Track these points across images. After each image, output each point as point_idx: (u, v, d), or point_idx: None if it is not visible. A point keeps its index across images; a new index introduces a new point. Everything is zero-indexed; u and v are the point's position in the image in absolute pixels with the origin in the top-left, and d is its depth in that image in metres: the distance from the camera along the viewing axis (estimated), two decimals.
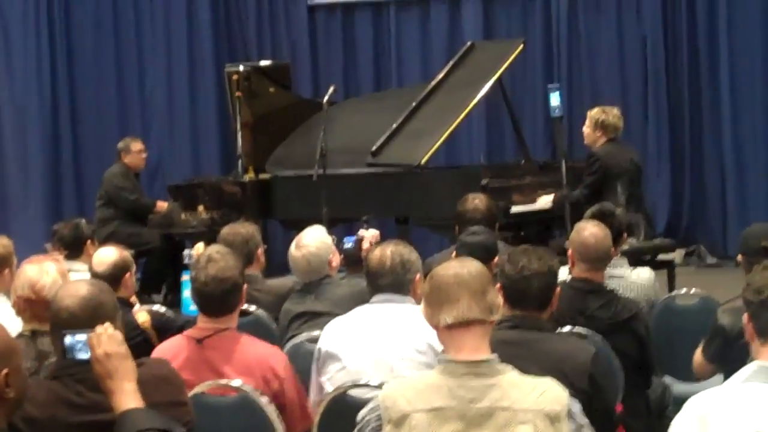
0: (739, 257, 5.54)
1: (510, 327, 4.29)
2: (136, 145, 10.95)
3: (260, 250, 6.23)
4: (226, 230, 6.32)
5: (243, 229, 6.29)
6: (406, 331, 4.57)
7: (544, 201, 9.21)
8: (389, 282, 4.76)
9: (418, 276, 4.78)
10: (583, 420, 3.50)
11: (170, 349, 4.57)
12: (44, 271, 4.49)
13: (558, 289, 4.42)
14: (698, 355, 5.23)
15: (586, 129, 9.06)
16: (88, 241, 6.94)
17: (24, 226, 12.70)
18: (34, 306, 4.40)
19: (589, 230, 5.43)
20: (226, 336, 4.56)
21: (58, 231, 7.13)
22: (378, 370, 4.52)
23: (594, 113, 9.08)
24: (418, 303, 4.59)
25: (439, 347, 3.84)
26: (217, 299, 4.55)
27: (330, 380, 4.65)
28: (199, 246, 6.44)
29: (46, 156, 13.12)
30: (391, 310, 4.73)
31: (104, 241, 8.77)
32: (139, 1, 13.20)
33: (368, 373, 4.51)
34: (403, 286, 4.77)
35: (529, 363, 3.57)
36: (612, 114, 9.05)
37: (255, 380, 4.44)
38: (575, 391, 4.03)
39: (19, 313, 4.49)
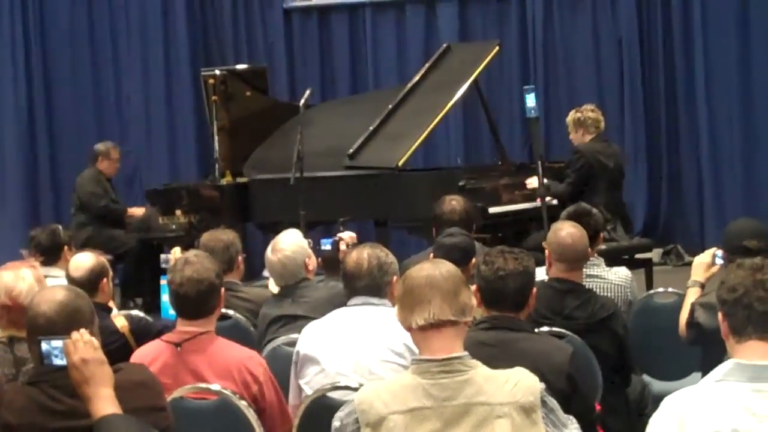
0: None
1: (487, 328, 4.30)
2: (115, 153, 10.98)
3: (240, 258, 6.24)
4: (206, 236, 6.32)
5: (224, 235, 6.28)
6: (384, 334, 4.57)
7: (529, 184, 9.17)
8: (366, 284, 4.77)
9: (394, 278, 4.77)
10: (554, 404, 3.51)
11: (148, 354, 4.56)
12: (20, 278, 4.47)
13: (534, 289, 4.43)
14: (682, 328, 5.29)
15: (571, 135, 9.17)
16: (65, 247, 6.93)
17: (1, 233, 12.66)
18: (10, 313, 4.38)
19: (566, 230, 5.44)
20: (205, 339, 4.56)
21: (35, 237, 7.12)
22: (356, 372, 4.53)
23: (570, 117, 9.20)
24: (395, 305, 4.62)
25: (417, 349, 3.85)
26: (194, 301, 4.54)
27: (308, 384, 4.65)
28: (176, 250, 6.44)
29: (23, 163, 13.06)
30: (368, 313, 4.73)
31: (81, 246, 8.77)
32: (115, 7, 13.15)
33: (347, 376, 4.51)
34: (380, 288, 4.78)
35: (507, 363, 3.57)
36: (586, 110, 9.14)
37: (234, 384, 4.44)
38: (553, 392, 4.04)
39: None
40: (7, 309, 4.40)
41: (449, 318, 3.44)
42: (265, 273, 6.71)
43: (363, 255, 4.82)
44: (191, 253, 4.77)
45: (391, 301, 4.72)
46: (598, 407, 4.81)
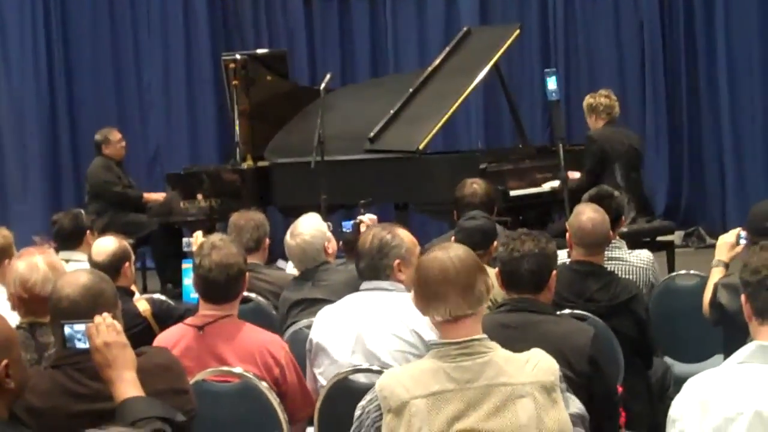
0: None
1: (508, 310, 4.30)
2: (115, 135, 10.95)
3: (267, 240, 6.25)
4: (237, 215, 6.36)
5: (255, 215, 6.34)
6: (394, 323, 4.50)
7: (549, 186, 9.19)
8: (366, 265, 4.70)
9: (397, 261, 4.66)
10: (563, 384, 3.51)
11: (171, 338, 4.58)
12: (33, 268, 4.43)
13: (554, 272, 4.42)
14: (705, 308, 5.27)
15: (587, 119, 9.16)
16: (88, 232, 6.94)
17: (23, 218, 12.69)
18: (27, 303, 4.39)
19: (586, 215, 5.42)
20: (227, 323, 4.58)
21: (57, 221, 7.13)
22: (367, 363, 4.49)
23: (585, 101, 9.19)
24: (408, 288, 4.58)
25: (426, 335, 3.87)
26: (222, 286, 4.56)
27: (322, 374, 4.63)
28: (198, 234, 6.45)
29: (45, 148, 13.12)
30: (378, 300, 4.64)
31: (102, 232, 8.80)
32: None
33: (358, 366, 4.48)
34: (378, 270, 4.68)
35: (528, 346, 3.57)
36: (600, 96, 9.14)
37: (256, 367, 4.46)
38: (575, 374, 4.05)
39: (14, 308, 4.48)
40: (23, 300, 4.41)
41: (466, 312, 3.44)
42: (279, 263, 6.72)
43: (368, 236, 4.76)
44: (216, 238, 4.78)
45: (400, 282, 4.66)
46: (620, 389, 4.80)
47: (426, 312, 3.49)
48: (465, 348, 3.40)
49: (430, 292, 3.45)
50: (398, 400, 3.37)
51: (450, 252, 3.50)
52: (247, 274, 4.71)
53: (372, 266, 4.67)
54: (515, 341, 3.67)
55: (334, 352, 4.60)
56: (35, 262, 4.45)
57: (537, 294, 4.36)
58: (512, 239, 4.40)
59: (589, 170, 8.86)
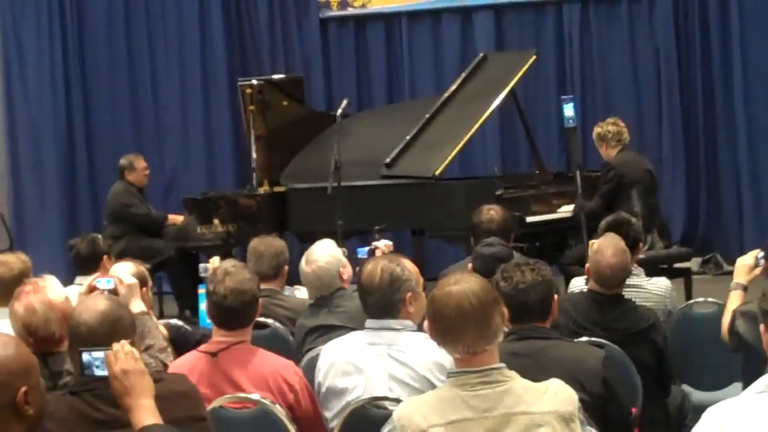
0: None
1: (517, 339, 4.29)
2: (140, 163, 11.01)
3: (286, 267, 6.25)
4: (257, 241, 6.36)
5: (275, 242, 6.35)
6: (404, 368, 4.41)
7: (564, 210, 9.20)
8: (376, 301, 4.51)
9: (409, 295, 4.51)
10: (581, 415, 3.51)
11: (185, 364, 4.57)
12: (32, 312, 4.37)
13: (556, 296, 4.42)
14: (724, 333, 5.23)
15: (599, 149, 9.18)
16: (105, 257, 6.94)
17: (40, 242, 12.74)
18: (34, 344, 4.35)
19: (606, 260, 5.35)
20: (241, 349, 4.57)
21: (74, 246, 7.14)
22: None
23: (594, 132, 9.23)
24: (416, 323, 4.53)
25: (437, 380, 3.86)
26: (236, 312, 4.55)
27: (334, 418, 4.55)
28: (215, 260, 6.45)
29: (62, 172, 13.16)
30: (386, 341, 4.49)
31: (119, 256, 8.80)
32: (152, 18, 13.21)
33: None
34: (390, 306, 4.50)
35: (541, 372, 3.57)
36: (607, 124, 9.19)
37: (270, 393, 4.45)
38: (589, 396, 4.04)
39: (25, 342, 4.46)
40: (30, 342, 4.37)
41: (484, 348, 3.44)
42: (295, 290, 6.69)
43: (377, 268, 4.53)
44: (229, 264, 4.76)
45: (407, 319, 4.53)
46: (633, 410, 4.79)
47: (441, 345, 3.49)
48: (484, 376, 3.40)
49: (445, 329, 3.45)
50: (417, 429, 3.36)
51: (465, 286, 3.48)
52: (261, 299, 4.70)
53: (384, 303, 4.49)
54: (528, 369, 3.67)
55: (345, 398, 4.51)
56: (32, 305, 4.39)
57: (544, 321, 4.37)
58: (512, 272, 4.38)
59: (603, 195, 8.85)
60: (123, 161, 11.00)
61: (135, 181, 10.92)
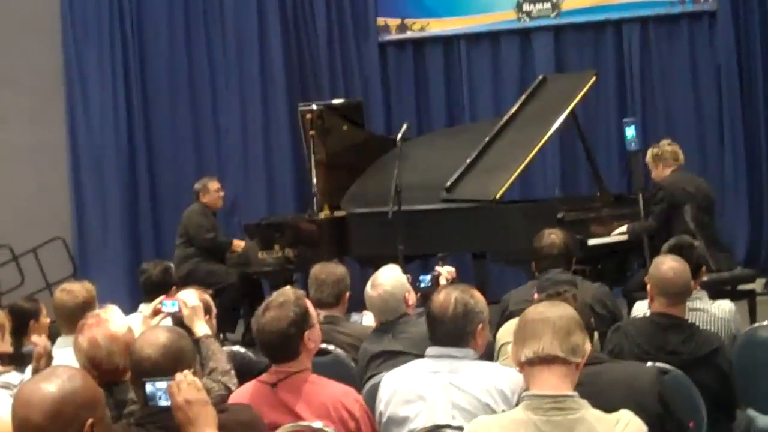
0: None
1: None
2: (214, 185, 11.11)
3: (347, 294, 6.26)
4: (318, 268, 6.35)
5: (337, 269, 6.33)
6: (467, 395, 4.42)
7: (618, 233, 9.17)
8: (448, 331, 4.54)
9: (480, 326, 4.57)
10: None
11: (245, 395, 4.56)
12: (95, 345, 4.42)
13: (592, 319, 4.39)
14: None
15: (652, 172, 9.18)
16: (174, 287, 6.94)
17: (104, 267, 12.87)
18: (98, 376, 4.39)
19: (667, 264, 5.38)
20: (300, 378, 4.54)
21: (146, 271, 7.18)
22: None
23: (648, 154, 9.21)
24: (479, 353, 4.56)
25: (498, 407, 3.83)
26: (272, 348, 4.53)
27: None
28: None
29: (124, 197, 13.28)
30: (449, 369, 4.51)
31: (184, 278, 8.87)
32: (213, 44, 13.32)
33: None
34: (462, 337, 4.55)
35: (599, 397, 3.58)
36: (664, 144, 9.13)
37: (331, 421, 4.42)
38: (648, 415, 4.02)
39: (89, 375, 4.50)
40: (94, 375, 4.41)
41: (558, 354, 3.45)
42: (354, 317, 6.69)
43: (450, 298, 4.57)
44: (275, 297, 4.66)
45: (474, 350, 4.57)
46: (691, 424, 4.75)
47: (518, 353, 3.52)
48: (558, 402, 3.41)
49: (527, 332, 3.52)
50: None
51: (556, 305, 3.66)
52: (322, 326, 4.67)
53: (456, 333, 4.53)
54: (585, 396, 3.64)
55: (409, 425, 4.50)
56: (96, 339, 4.44)
57: None
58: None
59: (656, 216, 8.80)
60: (197, 185, 11.13)
61: (210, 203, 11.02)
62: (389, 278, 5.80)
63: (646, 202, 8.44)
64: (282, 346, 4.51)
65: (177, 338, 3.67)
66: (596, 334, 4.58)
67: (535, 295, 5.54)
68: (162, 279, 7.07)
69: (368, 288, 5.81)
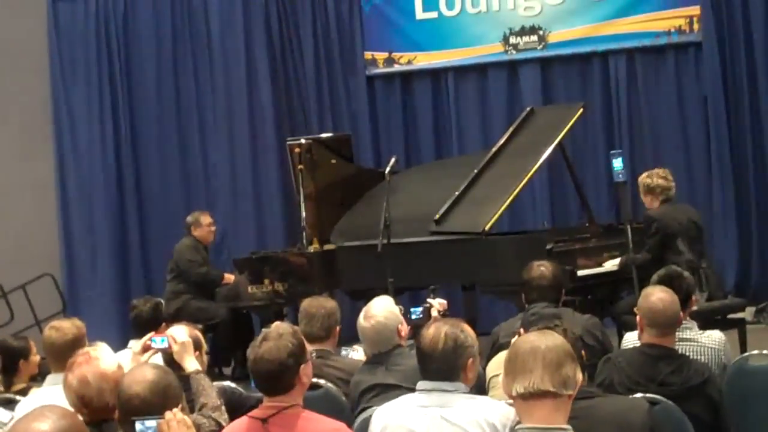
0: None
1: None
2: (206, 219, 11.11)
3: (338, 328, 6.24)
4: (308, 302, 6.32)
5: (327, 303, 6.30)
6: (457, 429, 4.36)
7: (611, 265, 9.18)
8: (438, 366, 4.51)
9: (470, 360, 4.53)
10: None
11: (236, 431, 4.55)
12: (85, 384, 4.39)
13: (583, 352, 4.39)
14: None
15: (642, 196, 9.15)
16: (164, 324, 6.93)
17: (92, 303, 12.85)
18: (88, 414, 4.38)
19: (656, 295, 5.40)
20: (291, 413, 4.49)
21: (136, 308, 7.18)
22: None
23: (641, 179, 9.21)
24: (469, 387, 4.54)
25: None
26: (269, 379, 4.46)
27: None
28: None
29: (114, 234, 13.25)
30: (440, 403, 4.47)
31: (174, 315, 8.85)
32: (201, 78, 13.33)
33: None
34: (452, 371, 4.50)
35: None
36: (657, 176, 9.13)
37: None
38: None
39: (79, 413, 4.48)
40: (84, 413, 4.40)
41: (549, 389, 3.45)
42: (343, 352, 6.66)
43: (440, 333, 4.54)
44: (272, 329, 4.66)
45: (465, 383, 4.53)
46: None
47: (509, 386, 3.51)
48: None
49: (517, 366, 3.51)
50: None
51: (545, 335, 3.62)
52: (304, 365, 4.61)
53: (447, 368, 4.49)
54: (577, 430, 3.64)
55: None
56: (85, 377, 4.42)
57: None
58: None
59: (650, 249, 8.82)
60: (189, 218, 11.13)
61: (201, 238, 11.01)
62: (382, 309, 5.79)
63: (634, 232, 8.44)
64: (279, 376, 4.46)
65: (164, 374, 3.67)
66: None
67: (521, 330, 5.53)
68: (152, 315, 7.07)
69: (361, 319, 5.80)
